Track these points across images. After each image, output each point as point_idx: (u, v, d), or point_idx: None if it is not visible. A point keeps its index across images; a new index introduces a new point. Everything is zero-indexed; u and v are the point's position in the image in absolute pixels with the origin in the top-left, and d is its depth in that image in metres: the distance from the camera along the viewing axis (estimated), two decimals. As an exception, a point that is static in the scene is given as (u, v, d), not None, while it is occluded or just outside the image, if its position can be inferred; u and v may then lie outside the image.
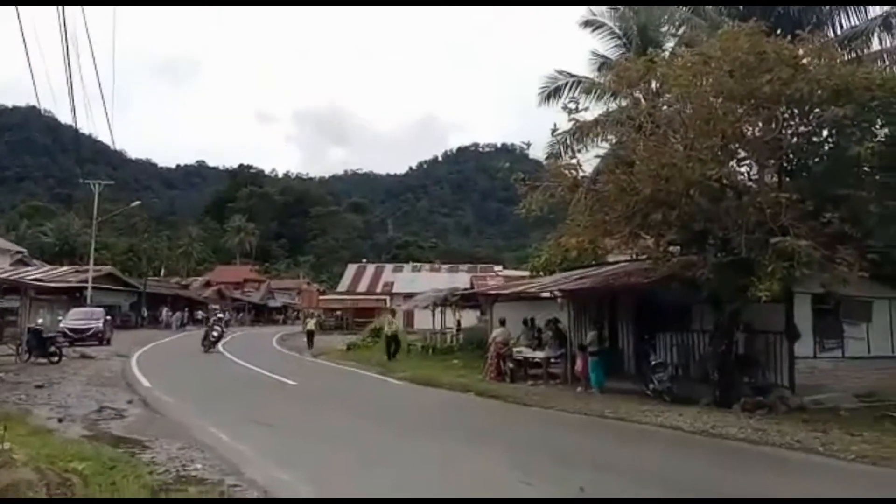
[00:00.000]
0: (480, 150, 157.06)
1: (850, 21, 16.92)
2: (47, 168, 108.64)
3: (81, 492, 5.61)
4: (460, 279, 47.76)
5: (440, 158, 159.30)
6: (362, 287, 59.28)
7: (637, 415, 11.41)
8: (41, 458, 6.24)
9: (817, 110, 11.58)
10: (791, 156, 12.45)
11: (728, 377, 12.43)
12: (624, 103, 14.55)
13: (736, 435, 9.70)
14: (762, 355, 12.91)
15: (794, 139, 12.21)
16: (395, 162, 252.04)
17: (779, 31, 13.35)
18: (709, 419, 10.72)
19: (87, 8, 11.01)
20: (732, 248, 11.35)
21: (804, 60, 11.68)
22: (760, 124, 11.94)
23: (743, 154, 12.54)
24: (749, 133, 12.20)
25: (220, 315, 37.63)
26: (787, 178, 12.55)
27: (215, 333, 27.43)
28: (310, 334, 31.98)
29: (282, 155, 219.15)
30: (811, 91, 11.08)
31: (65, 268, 44.79)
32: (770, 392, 12.24)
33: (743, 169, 12.85)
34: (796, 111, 11.93)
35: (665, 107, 12.74)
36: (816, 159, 12.41)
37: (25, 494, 5.00)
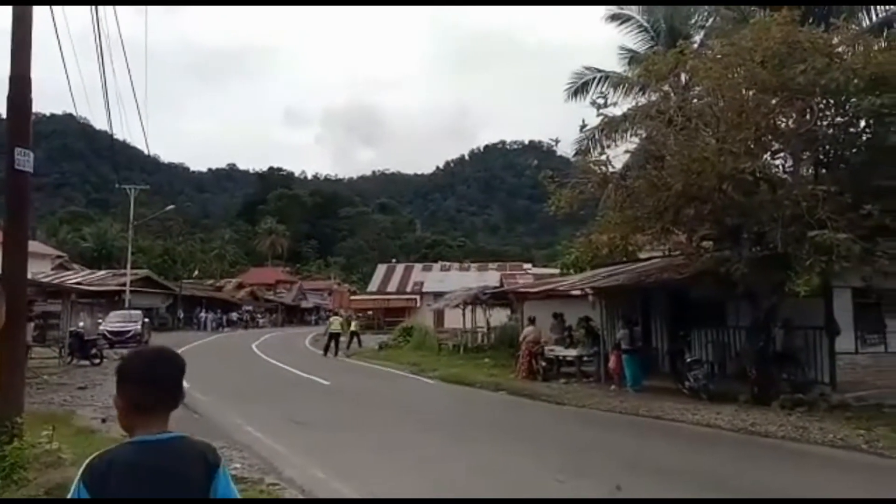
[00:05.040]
0: (507, 147, 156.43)
1: (885, 7, 16.45)
2: (84, 174, 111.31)
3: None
4: (490, 278, 47.62)
5: (467, 157, 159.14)
6: (392, 287, 59.51)
7: (673, 413, 11.29)
8: (87, 457, 6.43)
9: (854, 100, 11.30)
10: (827, 147, 12.19)
11: (766, 374, 12.21)
12: (653, 97, 14.37)
13: (776, 433, 9.54)
14: (801, 352, 12.64)
15: (830, 130, 11.94)
16: (422, 161, 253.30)
17: (811, 21, 13.08)
18: (747, 417, 10.56)
19: (118, 10, 11.24)
20: (768, 242, 11.15)
21: (839, 49, 11.43)
22: (794, 115, 11.70)
23: (777, 146, 12.32)
24: (783, 125, 11.98)
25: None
26: (824, 171, 12.28)
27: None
28: (332, 337, 26.10)
29: (311, 157, 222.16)
30: (847, 80, 10.82)
31: (103, 272, 45.88)
32: (810, 389, 11.99)
33: (777, 162, 12.65)
34: (832, 101, 11.66)
35: (696, 100, 12.56)
36: (854, 150, 12.14)
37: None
